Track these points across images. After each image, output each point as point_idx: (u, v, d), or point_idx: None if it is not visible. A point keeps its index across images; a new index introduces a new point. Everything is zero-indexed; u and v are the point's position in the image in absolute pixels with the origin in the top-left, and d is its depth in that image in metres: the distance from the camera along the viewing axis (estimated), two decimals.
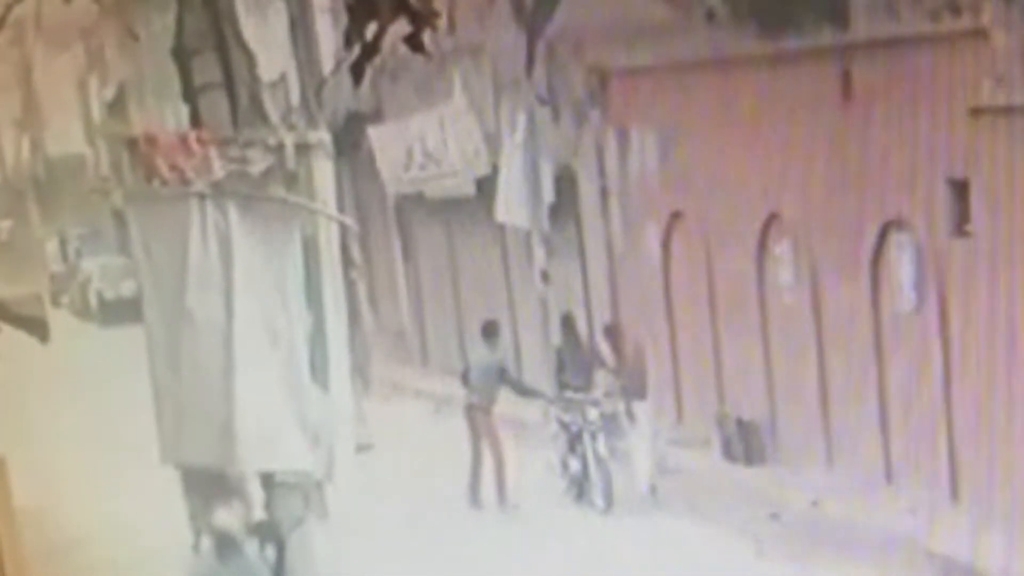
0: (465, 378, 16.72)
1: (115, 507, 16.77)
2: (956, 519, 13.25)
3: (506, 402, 19.70)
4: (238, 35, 9.12)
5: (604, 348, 16.86)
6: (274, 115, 9.17)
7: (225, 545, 11.45)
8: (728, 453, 16.39)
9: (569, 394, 16.07)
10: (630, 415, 15.94)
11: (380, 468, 14.64)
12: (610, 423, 15.96)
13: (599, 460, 15.54)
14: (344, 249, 9.43)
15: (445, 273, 23.04)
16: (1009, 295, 12.73)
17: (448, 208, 22.11)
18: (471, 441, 16.30)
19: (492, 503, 16.07)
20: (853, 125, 14.21)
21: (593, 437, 15.59)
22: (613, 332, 16.98)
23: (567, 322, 17.32)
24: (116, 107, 37.83)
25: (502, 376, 16.50)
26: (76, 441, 19.10)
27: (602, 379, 16.32)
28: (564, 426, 15.93)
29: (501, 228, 20.20)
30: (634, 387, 15.99)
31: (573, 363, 16.28)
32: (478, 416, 16.34)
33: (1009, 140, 12.51)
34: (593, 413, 15.70)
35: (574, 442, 15.76)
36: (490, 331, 17.04)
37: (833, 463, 15.18)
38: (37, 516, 15.94)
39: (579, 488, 15.79)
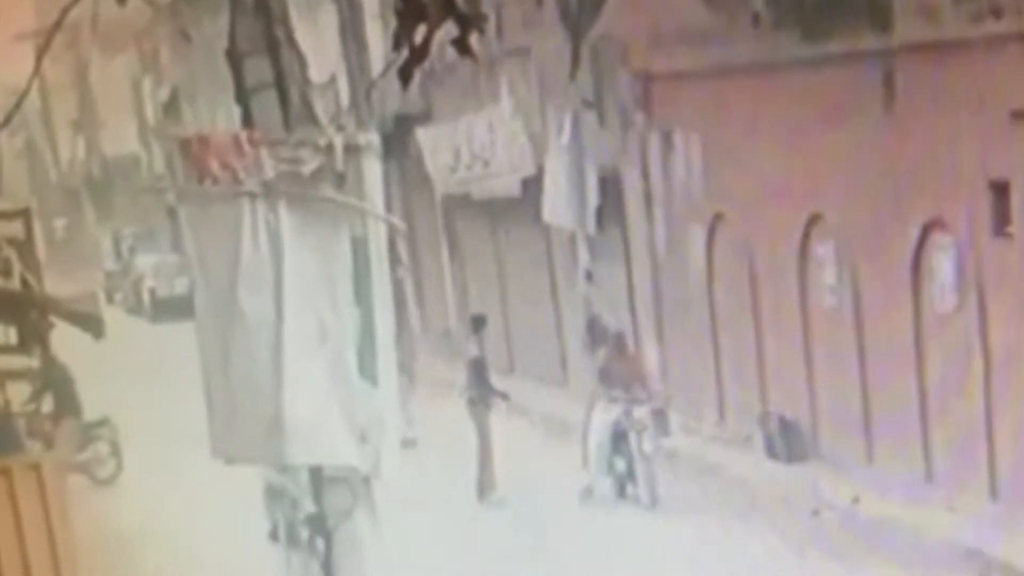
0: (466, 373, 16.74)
1: (171, 501, 17.06)
2: (995, 517, 13.34)
3: (549, 400, 19.86)
4: (290, 38, 9.21)
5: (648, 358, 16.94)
6: (324, 116, 9.24)
7: None
8: (770, 451, 16.50)
9: (615, 393, 16.13)
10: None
11: (425, 463, 14.85)
12: (656, 421, 16.10)
13: (644, 458, 15.67)
14: (391, 248, 9.57)
15: (491, 272, 23.21)
16: None
17: (494, 208, 22.27)
18: (476, 435, 16.40)
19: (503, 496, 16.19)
20: (895, 127, 14.29)
21: (639, 436, 15.72)
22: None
23: (617, 338, 17.32)
24: (170, 108, 38.22)
25: (478, 370, 16.54)
26: (129, 436, 19.39)
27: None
28: (610, 424, 16.00)
29: (546, 228, 20.32)
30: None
31: (617, 373, 16.25)
32: (478, 410, 16.47)
33: None
34: (640, 412, 15.83)
35: (619, 441, 15.88)
36: (477, 325, 17.13)
37: (874, 461, 15.26)
38: (94, 513, 16.22)
39: (622, 486, 15.94)
